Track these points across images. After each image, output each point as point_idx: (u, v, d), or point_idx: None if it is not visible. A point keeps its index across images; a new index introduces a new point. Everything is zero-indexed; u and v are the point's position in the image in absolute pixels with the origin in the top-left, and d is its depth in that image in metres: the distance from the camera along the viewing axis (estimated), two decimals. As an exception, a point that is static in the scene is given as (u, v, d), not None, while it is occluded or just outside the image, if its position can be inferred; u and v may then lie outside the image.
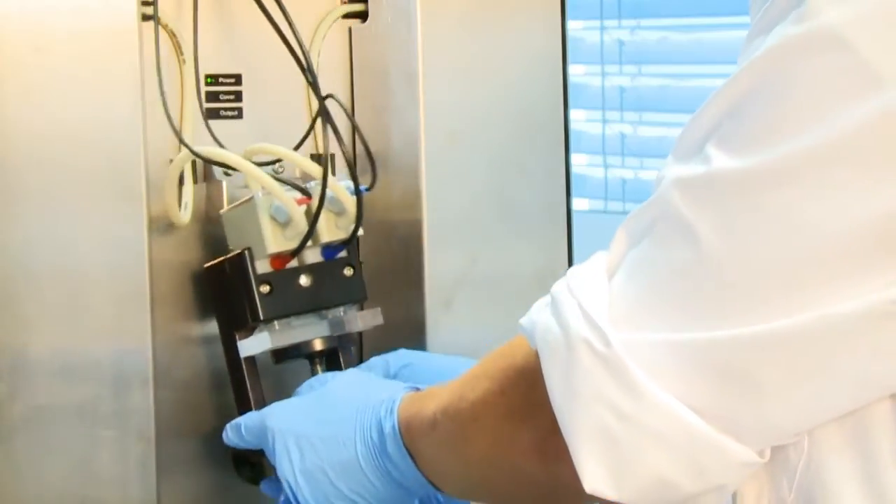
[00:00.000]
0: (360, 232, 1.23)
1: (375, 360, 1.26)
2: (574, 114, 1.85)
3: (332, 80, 1.32)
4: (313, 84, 1.20)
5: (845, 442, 0.80)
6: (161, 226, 1.25)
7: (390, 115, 1.32)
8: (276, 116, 1.31)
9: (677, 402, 0.78)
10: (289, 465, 1.13)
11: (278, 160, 1.25)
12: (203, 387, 1.28)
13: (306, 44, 1.21)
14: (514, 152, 1.35)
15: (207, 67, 1.26)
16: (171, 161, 1.24)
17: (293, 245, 1.22)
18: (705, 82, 2.43)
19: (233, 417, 1.22)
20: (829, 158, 0.73)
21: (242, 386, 1.24)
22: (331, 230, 1.23)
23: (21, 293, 1.15)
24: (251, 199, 1.22)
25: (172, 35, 1.26)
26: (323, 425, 1.12)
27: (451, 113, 1.32)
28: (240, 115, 1.30)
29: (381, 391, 1.11)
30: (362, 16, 1.35)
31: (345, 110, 1.22)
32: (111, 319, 1.18)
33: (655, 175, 0.83)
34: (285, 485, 1.13)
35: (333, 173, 1.22)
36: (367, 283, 1.29)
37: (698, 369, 0.78)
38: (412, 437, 1.06)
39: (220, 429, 1.22)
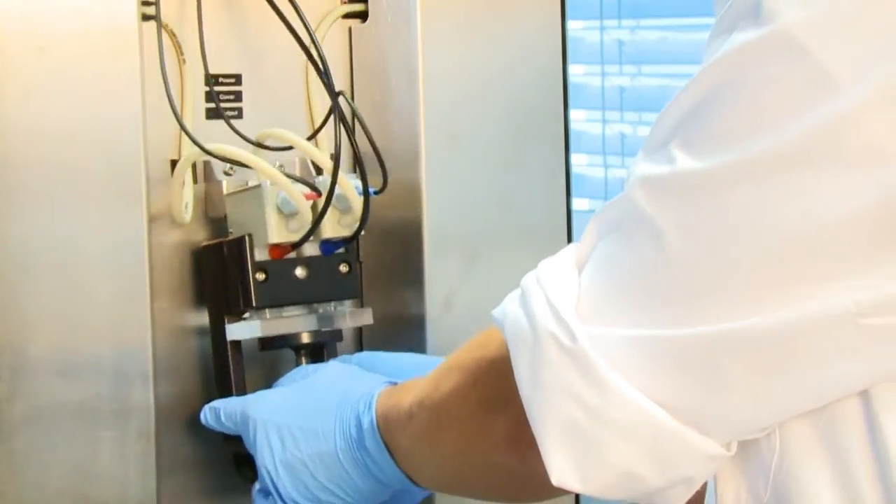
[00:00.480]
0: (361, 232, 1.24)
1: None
2: (574, 114, 1.85)
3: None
4: (326, 80, 1.19)
5: (816, 439, 0.80)
6: (161, 225, 1.25)
7: (390, 115, 1.32)
8: (276, 117, 1.31)
9: (642, 396, 0.79)
10: (269, 455, 1.13)
11: (290, 147, 1.24)
12: (204, 382, 1.28)
13: (308, 43, 1.21)
14: (514, 152, 1.35)
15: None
16: (171, 160, 1.25)
17: (295, 237, 1.22)
18: (705, 82, 2.42)
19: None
20: (788, 161, 0.74)
21: (225, 369, 1.25)
22: (333, 227, 1.23)
23: (21, 292, 1.15)
24: (259, 185, 1.22)
25: (173, 35, 1.25)
26: (305, 417, 1.13)
27: (451, 113, 1.32)
28: (240, 115, 1.30)
29: (362, 385, 1.12)
30: (362, 16, 1.35)
31: (355, 111, 1.21)
32: (111, 318, 1.18)
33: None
34: (265, 474, 1.13)
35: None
36: (366, 282, 1.30)
37: (662, 364, 0.78)
38: (389, 431, 1.06)
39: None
